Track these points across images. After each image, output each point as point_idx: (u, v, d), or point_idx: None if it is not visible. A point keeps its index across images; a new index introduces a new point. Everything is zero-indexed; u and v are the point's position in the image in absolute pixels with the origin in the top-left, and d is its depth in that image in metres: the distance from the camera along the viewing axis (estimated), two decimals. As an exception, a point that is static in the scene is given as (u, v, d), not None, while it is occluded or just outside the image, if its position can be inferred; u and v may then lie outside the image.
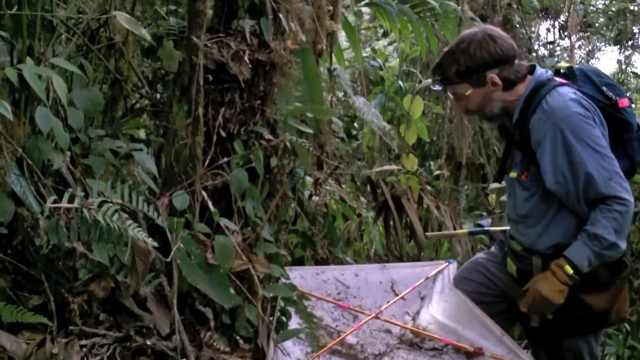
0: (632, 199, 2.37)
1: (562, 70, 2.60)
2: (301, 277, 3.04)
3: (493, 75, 2.48)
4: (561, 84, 2.46)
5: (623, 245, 2.44)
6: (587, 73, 2.55)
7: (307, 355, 2.50)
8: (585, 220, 2.42)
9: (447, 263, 3.15)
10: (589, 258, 2.43)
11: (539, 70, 2.54)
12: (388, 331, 2.78)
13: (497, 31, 2.58)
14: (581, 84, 2.53)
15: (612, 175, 2.35)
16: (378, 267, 3.23)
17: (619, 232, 2.39)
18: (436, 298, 2.92)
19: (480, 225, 3.30)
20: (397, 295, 2.94)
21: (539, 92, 2.44)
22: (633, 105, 2.58)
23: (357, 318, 2.88)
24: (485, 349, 2.53)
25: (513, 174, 2.58)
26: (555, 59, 10.38)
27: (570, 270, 2.43)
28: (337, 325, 2.86)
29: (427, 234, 3.88)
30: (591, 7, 11.77)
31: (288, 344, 2.60)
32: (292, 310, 2.56)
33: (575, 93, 2.42)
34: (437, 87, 2.70)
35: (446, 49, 2.65)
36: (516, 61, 2.52)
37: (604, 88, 2.49)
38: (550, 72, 2.58)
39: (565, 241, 2.46)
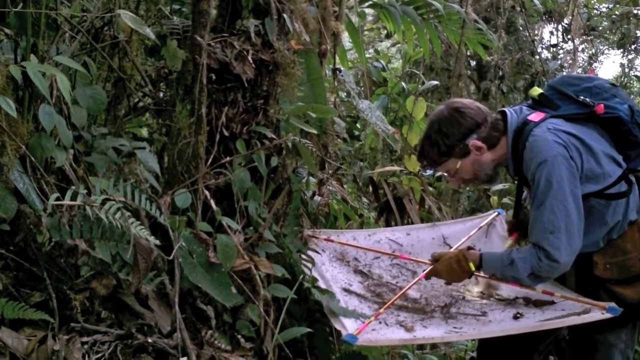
0: (565, 260, 2.33)
1: (536, 98, 2.59)
2: (354, 239, 3.06)
3: (474, 142, 2.55)
4: (536, 124, 2.47)
5: (531, 285, 2.48)
6: (561, 89, 2.54)
7: (373, 312, 2.50)
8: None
9: (497, 213, 3.15)
10: (495, 272, 2.52)
11: (510, 116, 2.56)
12: (449, 283, 2.76)
13: (460, 101, 2.64)
14: (558, 104, 2.53)
15: (556, 231, 2.32)
16: (428, 226, 3.25)
17: (535, 276, 2.42)
18: (488, 249, 2.91)
19: None
20: (451, 248, 2.91)
21: (520, 141, 2.48)
22: (618, 99, 2.52)
23: (415, 274, 2.88)
24: (554, 291, 2.48)
25: (529, 207, 2.60)
26: (558, 62, 10.38)
27: (472, 268, 2.53)
28: (397, 282, 2.86)
29: None
30: (595, 11, 11.77)
31: (355, 302, 2.61)
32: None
33: (550, 129, 2.42)
34: (429, 172, 2.76)
35: (422, 136, 2.73)
36: (489, 119, 2.55)
37: (581, 97, 2.49)
38: (522, 109, 2.59)
39: (584, 251, 2.46)
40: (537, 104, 2.59)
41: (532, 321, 2.35)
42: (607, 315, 2.26)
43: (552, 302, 2.46)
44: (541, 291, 2.49)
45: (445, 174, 2.74)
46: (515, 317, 2.41)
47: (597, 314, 2.26)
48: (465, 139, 2.54)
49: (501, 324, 2.41)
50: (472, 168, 2.60)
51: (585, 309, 2.31)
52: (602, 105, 2.45)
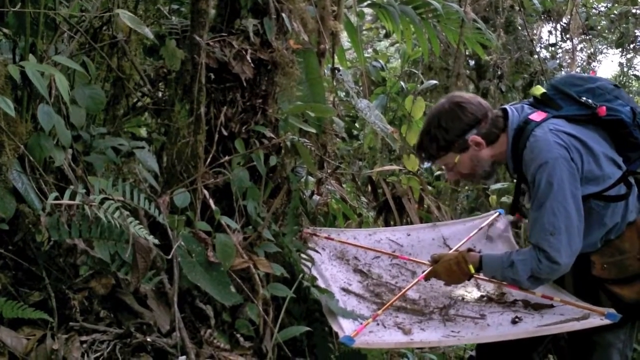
0: (565, 262, 2.31)
1: (538, 97, 2.58)
2: (354, 237, 3.06)
3: (473, 137, 2.54)
4: (537, 124, 2.46)
5: (530, 287, 2.48)
6: (563, 89, 2.53)
7: (372, 313, 2.50)
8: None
9: (498, 213, 3.14)
10: (495, 274, 2.52)
11: (511, 114, 2.55)
12: (449, 285, 2.74)
13: (461, 95, 2.63)
14: (559, 104, 2.52)
15: (556, 232, 2.30)
16: (428, 226, 3.24)
17: (535, 278, 2.41)
18: (489, 250, 2.91)
19: None
20: (450, 249, 2.90)
21: (521, 140, 2.47)
22: (620, 101, 2.49)
23: (415, 274, 2.87)
24: (553, 295, 2.47)
25: (529, 205, 2.60)
26: (557, 61, 10.39)
27: (472, 270, 2.53)
28: (396, 282, 2.85)
29: None
30: (593, 10, 11.78)
31: (354, 302, 2.61)
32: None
33: (551, 130, 2.41)
34: (427, 164, 2.77)
35: (421, 129, 2.70)
36: (489, 114, 2.55)
37: (584, 98, 2.48)
38: (524, 107, 2.58)
39: (582, 251, 2.46)
40: (539, 103, 2.58)
41: (531, 326, 2.34)
42: (606, 322, 2.25)
43: (551, 306, 2.46)
44: (540, 295, 2.48)
45: (443, 167, 2.74)
46: (514, 322, 2.40)
47: (595, 320, 2.26)
48: (465, 135, 2.53)
49: (499, 328, 2.40)
50: (470, 163, 2.59)
51: (584, 314, 2.31)
52: (605, 107, 2.44)
